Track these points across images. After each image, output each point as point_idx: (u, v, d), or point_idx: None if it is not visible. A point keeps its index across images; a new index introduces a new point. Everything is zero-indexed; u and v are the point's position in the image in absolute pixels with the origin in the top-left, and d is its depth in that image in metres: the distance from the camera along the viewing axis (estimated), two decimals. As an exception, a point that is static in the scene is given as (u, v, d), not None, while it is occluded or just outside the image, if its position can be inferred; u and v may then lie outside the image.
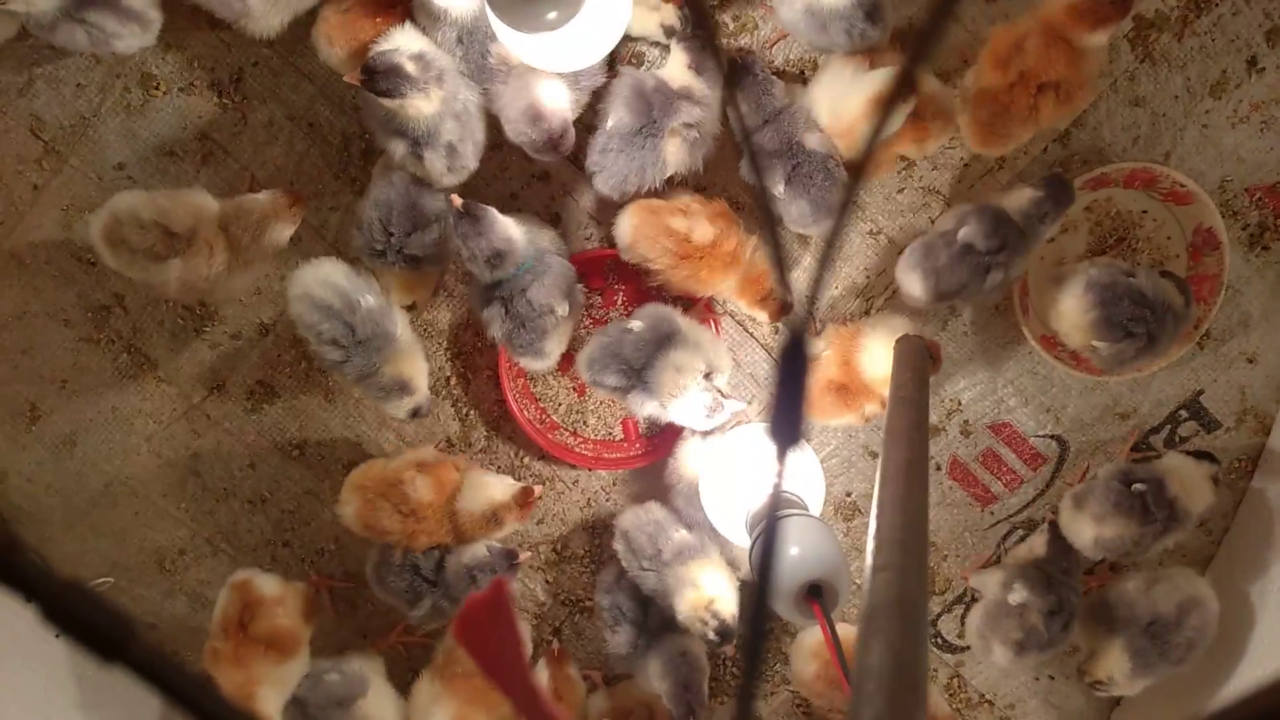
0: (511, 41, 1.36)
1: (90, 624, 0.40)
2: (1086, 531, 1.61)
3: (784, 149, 1.53)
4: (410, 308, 1.65)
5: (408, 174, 1.54)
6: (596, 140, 1.55)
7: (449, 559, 1.66)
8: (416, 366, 1.62)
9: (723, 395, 1.56)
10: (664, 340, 1.55)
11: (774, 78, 1.55)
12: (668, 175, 1.57)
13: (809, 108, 1.54)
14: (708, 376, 1.54)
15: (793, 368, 0.45)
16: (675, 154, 1.55)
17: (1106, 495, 1.60)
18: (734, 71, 1.54)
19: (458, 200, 1.49)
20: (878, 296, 1.72)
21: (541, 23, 1.25)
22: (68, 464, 1.81)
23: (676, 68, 1.54)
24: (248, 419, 1.80)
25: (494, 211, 1.51)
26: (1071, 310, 1.52)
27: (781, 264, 0.40)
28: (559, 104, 1.52)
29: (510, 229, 1.52)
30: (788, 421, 0.45)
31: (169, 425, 1.80)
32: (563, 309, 1.58)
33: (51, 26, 1.46)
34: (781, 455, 0.46)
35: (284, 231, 1.58)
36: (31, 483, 1.82)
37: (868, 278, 1.72)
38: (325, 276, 1.52)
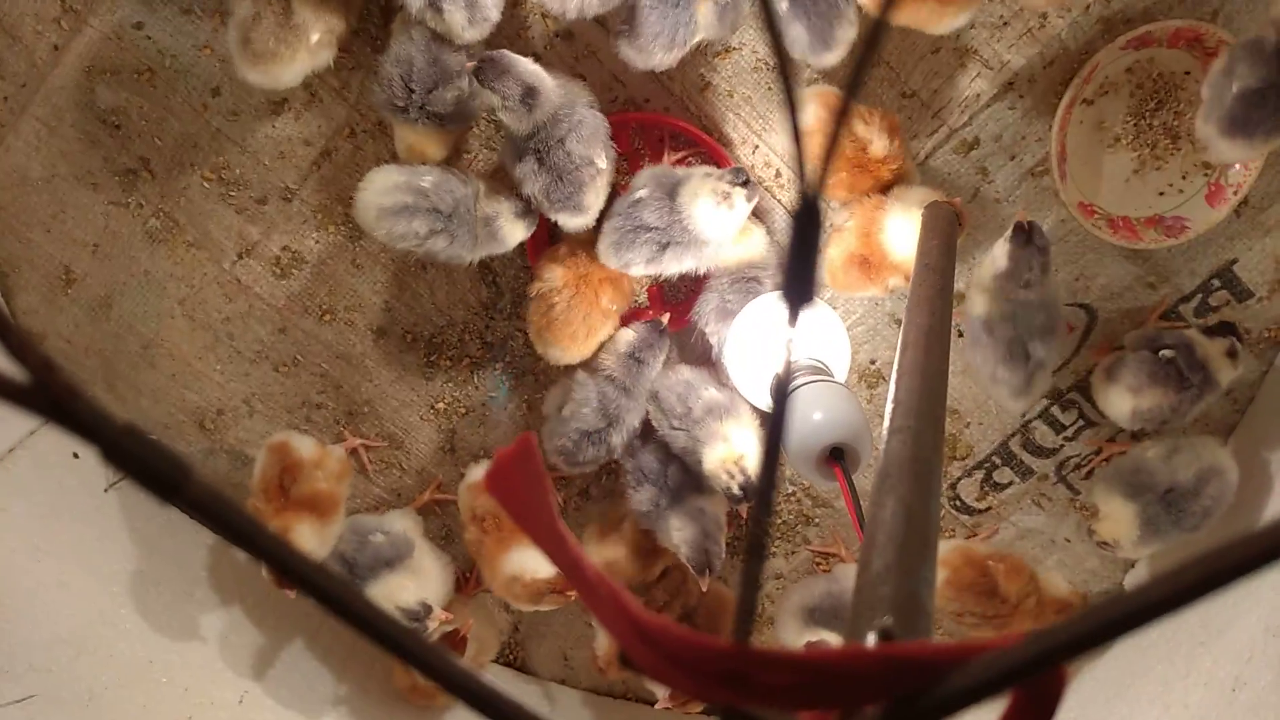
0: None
1: (148, 465, 0.42)
2: (1124, 404, 1.62)
3: None
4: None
5: (428, 30, 1.51)
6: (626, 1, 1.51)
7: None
8: (497, 192, 1.63)
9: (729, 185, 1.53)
10: (673, 189, 1.54)
11: None
12: (696, 40, 1.53)
13: None
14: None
15: (805, 228, 0.45)
16: (706, 17, 1.50)
17: (1139, 365, 1.59)
18: None
19: (470, 64, 1.47)
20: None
21: None
22: (105, 326, 1.85)
23: None
24: (277, 284, 1.82)
25: (509, 52, 1.49)
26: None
27: (796, 126, 0.38)
28: None
29: (534, 67, 1.50)
30: (799, 280, 0.46)
31: (200, 289, 1.83)
32: (601, 160, 1.56)
33: None
34: (794, 313, 0.47)
35: None
36: (70, 344, 1.87)
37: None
38: (383, 184, 1.53)
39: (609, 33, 1.59)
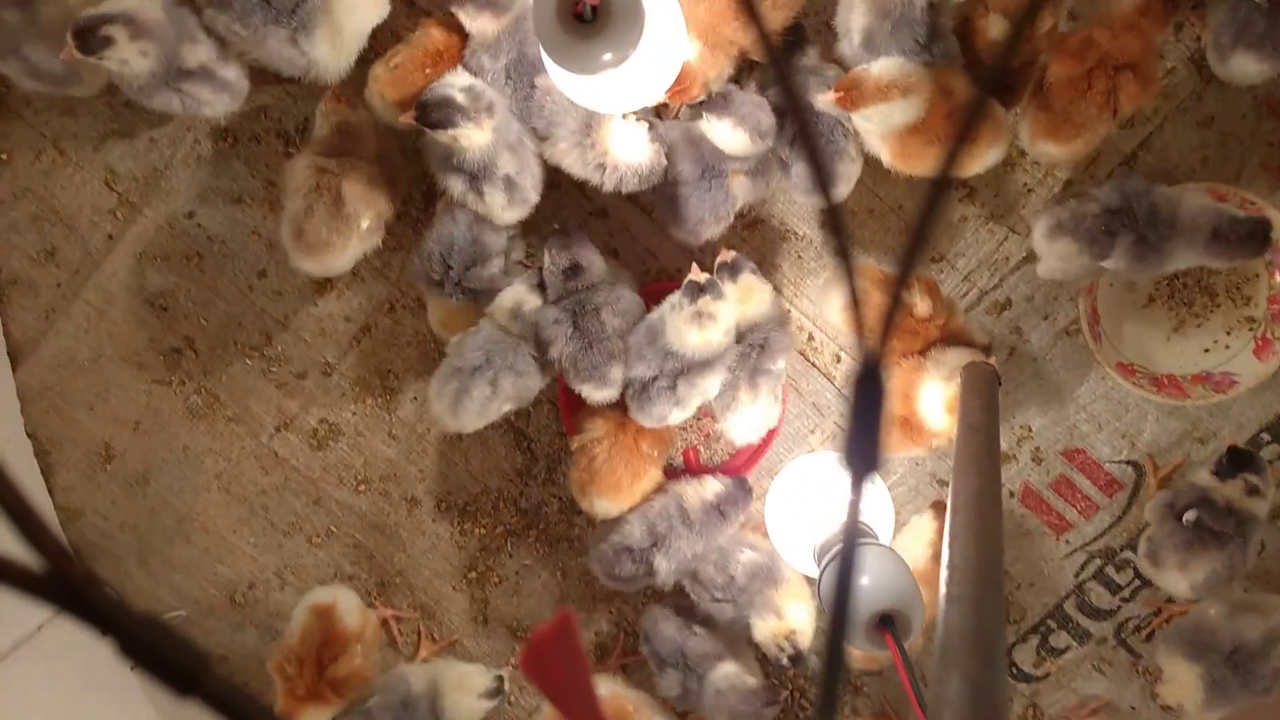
0: (565, 83, 1.37)
1: (165, 657, 0.41)
2: (1179, 583, 1.56)
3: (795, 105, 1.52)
4: None
5: (470, 211, 1.56)
6: (663, 192, 1.57)
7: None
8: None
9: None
10: (657, 334, 1.54)
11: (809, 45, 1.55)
12: (737, 208, 1.58)
13: (829, 72, 1.52)
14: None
15: (868, 393, 0.44)
16: (741, 189, 1.55)
17: (1173, 540, 1.54)
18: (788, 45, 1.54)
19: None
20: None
21: (597, 64, 1.26)
22: (141, 502, 1.86)
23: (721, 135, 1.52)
24: (313, 456, 1.83)
25: (583, 233, 1.57)
26: None
27: (854, 294, 0.39)
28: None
29: (595, 254, 1.56)
30: (864, 449, 0.45)
31: (237, 463, 1.84)
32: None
33: (147, 90, 1.50)
34: (858, 484, 0.46)
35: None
36: (106, 520, 1.87)
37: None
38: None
39: (640, 209, 1.65)
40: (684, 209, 1.55)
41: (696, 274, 1.49)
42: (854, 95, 1.41)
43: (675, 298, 1.50)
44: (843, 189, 1.56)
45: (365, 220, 1.55)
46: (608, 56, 1.25)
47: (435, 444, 1.81)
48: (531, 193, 1.56)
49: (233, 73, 1.55)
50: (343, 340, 1.78)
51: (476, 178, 1.51)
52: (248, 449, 1.83)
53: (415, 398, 1.80)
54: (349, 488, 1.84)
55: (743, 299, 1.56)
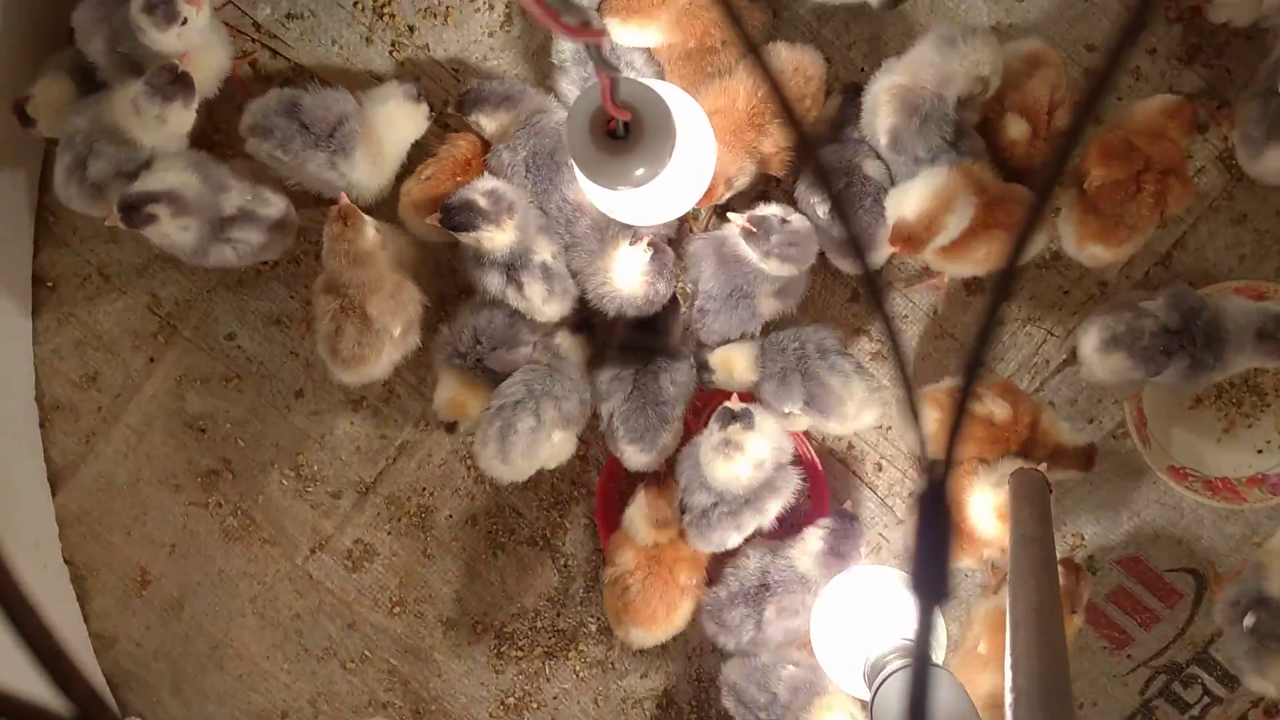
0: (597, 196, 1.39)
1: None
2: (1266, 686, 1.48)
3: (838, 168, 1.51)
4: (451, 427, 1.59)
5: (511, 307, 1.56)
6: (692, 301, 1.57)
7: None
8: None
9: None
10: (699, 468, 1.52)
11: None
12: (764, 323, 1.58)
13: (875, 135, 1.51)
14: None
15: (934, 515, 0.42)
16: (770, 305, 1.55)
17: (1241, 646, 1.47)
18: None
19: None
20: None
21: (629, 179, 1.27)
22: (175, 628, 1.83)
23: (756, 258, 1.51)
24: (348, 578, 1.80)
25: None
26: None
27: (915, 412, 0.37)
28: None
29: (678, 321, 1.59)
30: (933, 575, 0.42)
31: (272, 586, 1.81)
32: (681, 411, 1.57)
33: (199, 255, 1.55)
34: (927, 613, 0.43)
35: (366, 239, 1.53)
36: (140, 647, 1.84)
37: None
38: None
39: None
40: (710, 320, 1.55)
41: (734, 401, 1.48)
42: (911, 245, 1.42)
43: (702, 436, 1.49)
44: (882, 254, 1.53)
45: (396, 329, 1.56)
46: (640, 171, 1.27)
47: (471, 562, 1.78)
48: (572, 283, 1.57)
49: (276, 207, 1.58)
50: (379, 459, 1.78)
51: (513, 267, 1.51)
52: (282, 572, 1.81)
53: (450, 515, 1.78)
54: (384, 610, 1.80)
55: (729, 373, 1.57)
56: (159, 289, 1.77)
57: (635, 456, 1.57)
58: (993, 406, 1.50)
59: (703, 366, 1.59)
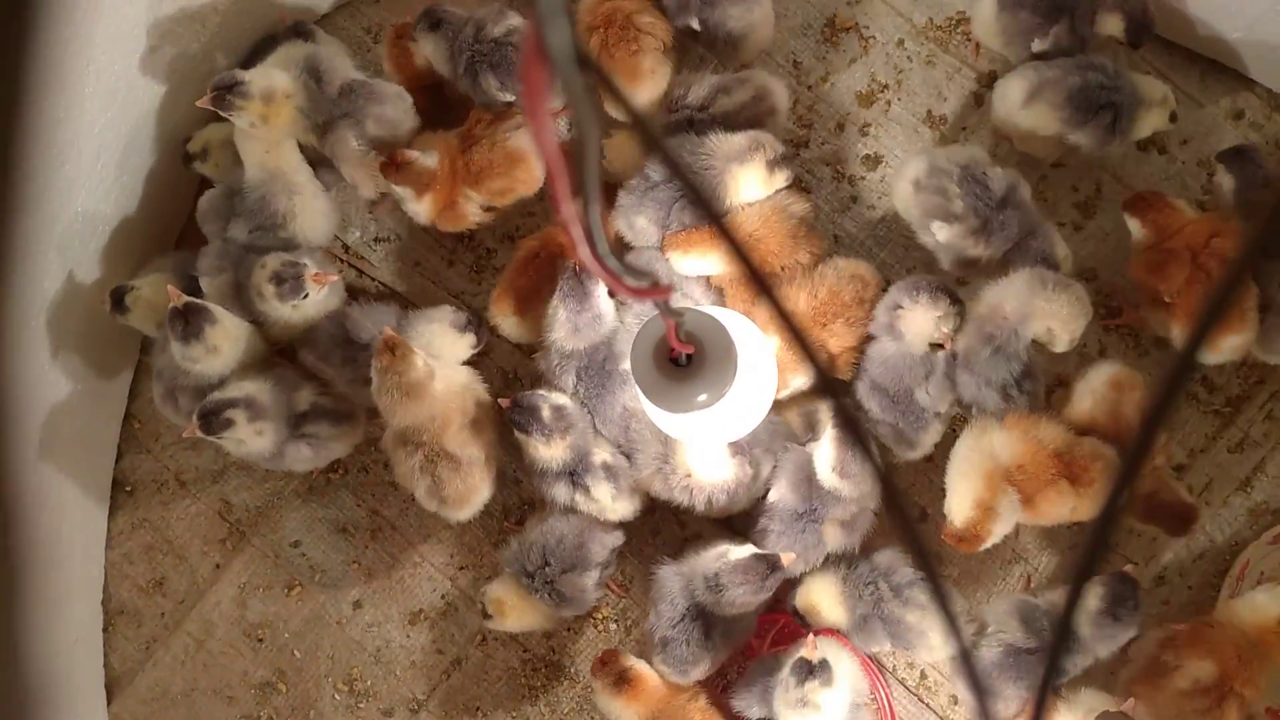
0: (661, 419, 1.40)
1: None
2: None
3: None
4: (487, 616, 1.58)
5: (581, 515, 1.56)
6: (759, 517, 1.56)
7: None
8: None
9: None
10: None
11: None
12: (824, 555, 1.56)
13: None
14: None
15: None
16: (834, 537, 1.53)
17: None
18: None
19: None
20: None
21: (692, 404, 1.28)
22: None
23: (824, 466, 1.53)
24: (396, 802, 1.73)
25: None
26: None
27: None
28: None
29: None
30: None
31: (317, 808, 1.74)
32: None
33: (275, 459, 1.60)
34: None
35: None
36: None
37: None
38: None
39: (732, 533, 1.62)
40: (773, 541, 1.54)
41: (810, 650, 1.42)
42: (967, 545, 1.46)
43: (785, 674, 1.44)
44: (920, 452, 1.57)
45: (481, 453, 1.56)
46: (703, 397, 1.28)
47: (521, 785, 1.70)
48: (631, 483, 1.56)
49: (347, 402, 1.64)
50: (433, 674, 1.74)
51: (575, 474, 1.52)
52: (329, 792, 1.74)
53: (503, 736, 1.71)
54: (430, 839, 1.71)
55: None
56: (232, 495, 1.81)
57: (666, 673, 1.54)
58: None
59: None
